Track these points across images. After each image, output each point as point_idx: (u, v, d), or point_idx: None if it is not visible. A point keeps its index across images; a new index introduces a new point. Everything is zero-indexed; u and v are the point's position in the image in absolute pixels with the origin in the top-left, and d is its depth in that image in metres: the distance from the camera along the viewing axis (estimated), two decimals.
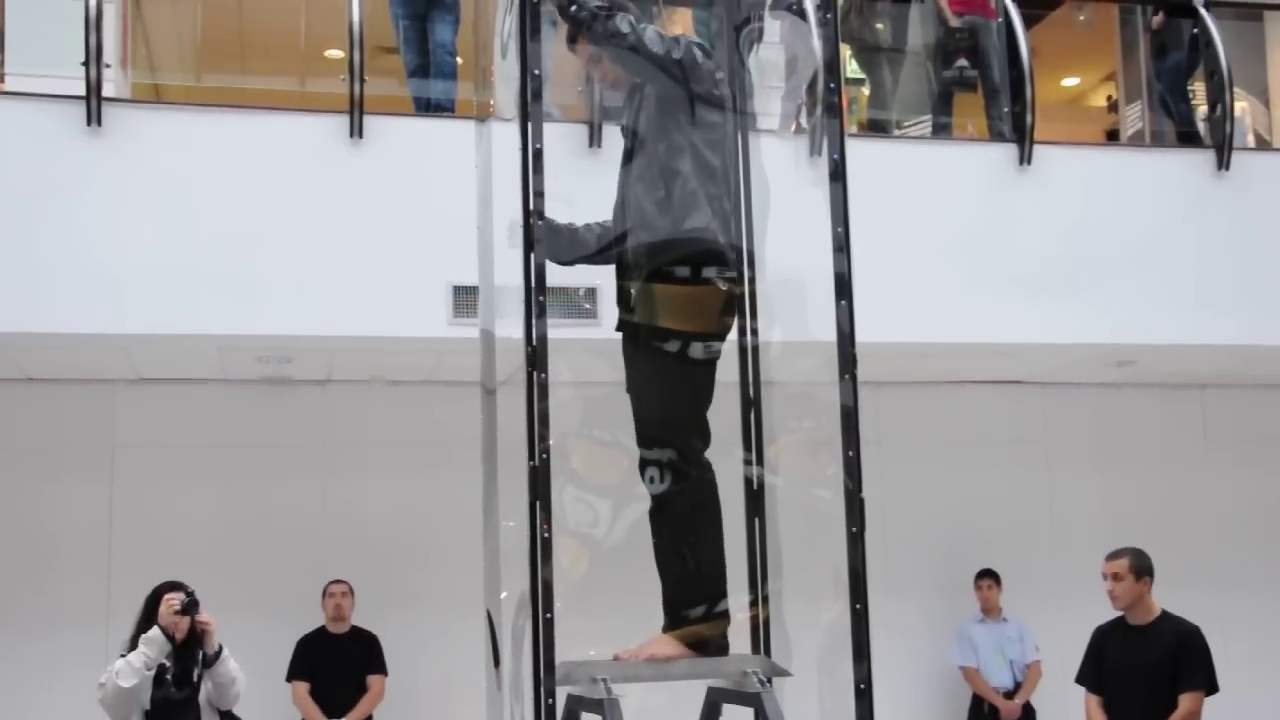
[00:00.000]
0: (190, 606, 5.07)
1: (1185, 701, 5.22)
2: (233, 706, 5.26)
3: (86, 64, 6.15)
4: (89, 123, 6.22)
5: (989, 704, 7.75)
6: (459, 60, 7.13)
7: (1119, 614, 5.48)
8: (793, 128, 4.49)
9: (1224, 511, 8.67)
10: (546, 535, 3.00)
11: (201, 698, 5.16)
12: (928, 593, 8.09)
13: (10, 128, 6.27)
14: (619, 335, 3.49)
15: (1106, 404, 8.66)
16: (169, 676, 5.07)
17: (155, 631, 5.03)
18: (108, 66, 6.34)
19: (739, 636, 3.37)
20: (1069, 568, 7.66)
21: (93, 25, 6.17)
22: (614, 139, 3.67)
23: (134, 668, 4.98)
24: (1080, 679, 5.62)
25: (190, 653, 5.11)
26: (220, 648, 5.16)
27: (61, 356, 6.99)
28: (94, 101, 6.20)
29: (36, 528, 7.36)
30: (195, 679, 5.13)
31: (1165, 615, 5.38)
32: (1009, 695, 7.72)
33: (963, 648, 7.90)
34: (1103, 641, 5.55)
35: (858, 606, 3.04)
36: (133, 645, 5.15)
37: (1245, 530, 8.67)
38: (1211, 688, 5.29)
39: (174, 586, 5.22)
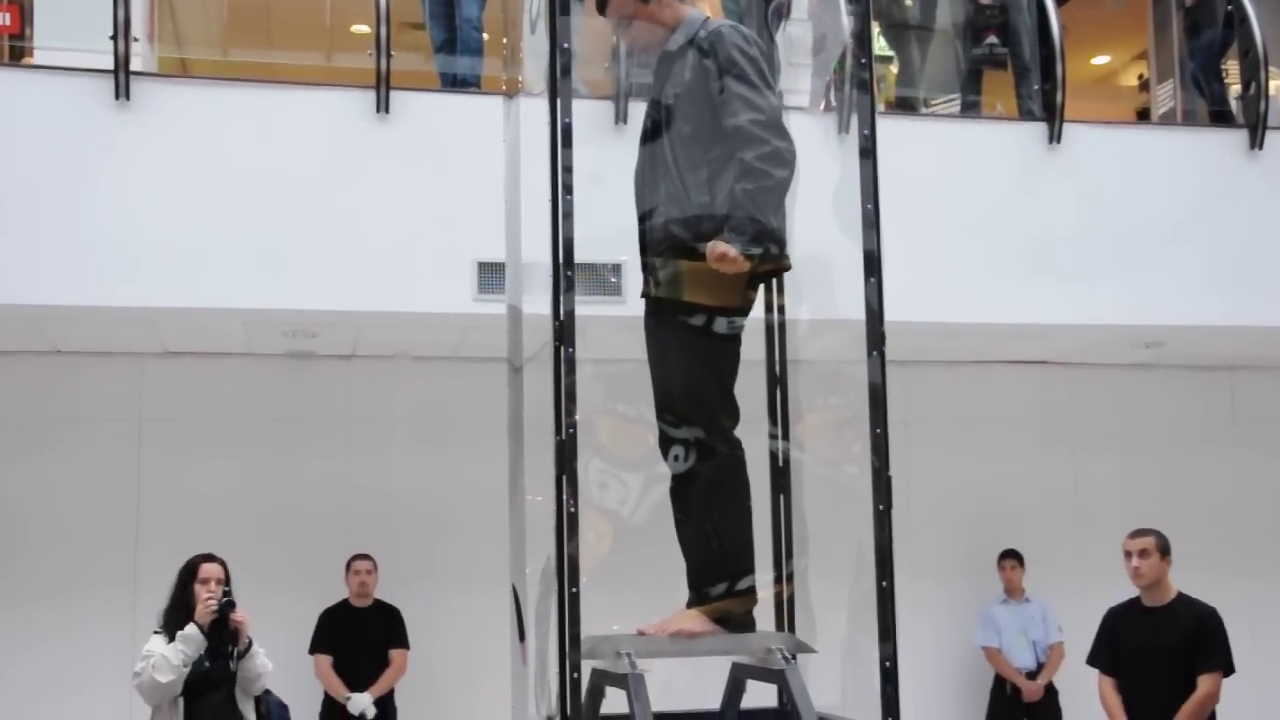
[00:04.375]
0: (226, 606, 5.13)
1: (1204, 683, 5.21)
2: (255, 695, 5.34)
3: (115, 38, 6.16)
4: (117, 96, 6.23)
5: (1011, 684, 7.74)
6: (485, 36, 7.11)
7: (1135, 595, 5.46)
8: (821, 105, 4.47)
9: (1252, 495, 8.61)
10: (572, 510, 3.01)
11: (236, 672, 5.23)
12: (951, 573, 8.08)
13: (39, 101, 6.28)
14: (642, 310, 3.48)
15: (1134, 386, 8.61)
16: (203, 652, 5.13)
17: (193, 629, 5.10)
18: (136, 40, 6.34)
19: (763, 613, 3.37)
20: (1093, 549, 7.63)
21: None
22: (640, 115, 3.65)
23: (172, 664, 5.04)
24: (1093, 660, 5.60)
25: (223, 627, 5.16)
26: (251, 642, 5.22)
27: (89, 329, 7.03)
28: (122, 75, 6.20)
29: (65, 499, 7.42)
30: (229, 651, 5.18)
31: (1182, 596, 5.37)
32: (1031, 676, 7.71)
33: (985, 628, 7.89)
34: (1116, 622, 5.53)
35: (884, 584, 3.03)
36: (167, 619, 5.21)
37: (1273, 515, 8.61)
38: (1229, 669, 5.28)
39: (208, 558, 5.29)
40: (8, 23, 6.99)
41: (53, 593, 7.26)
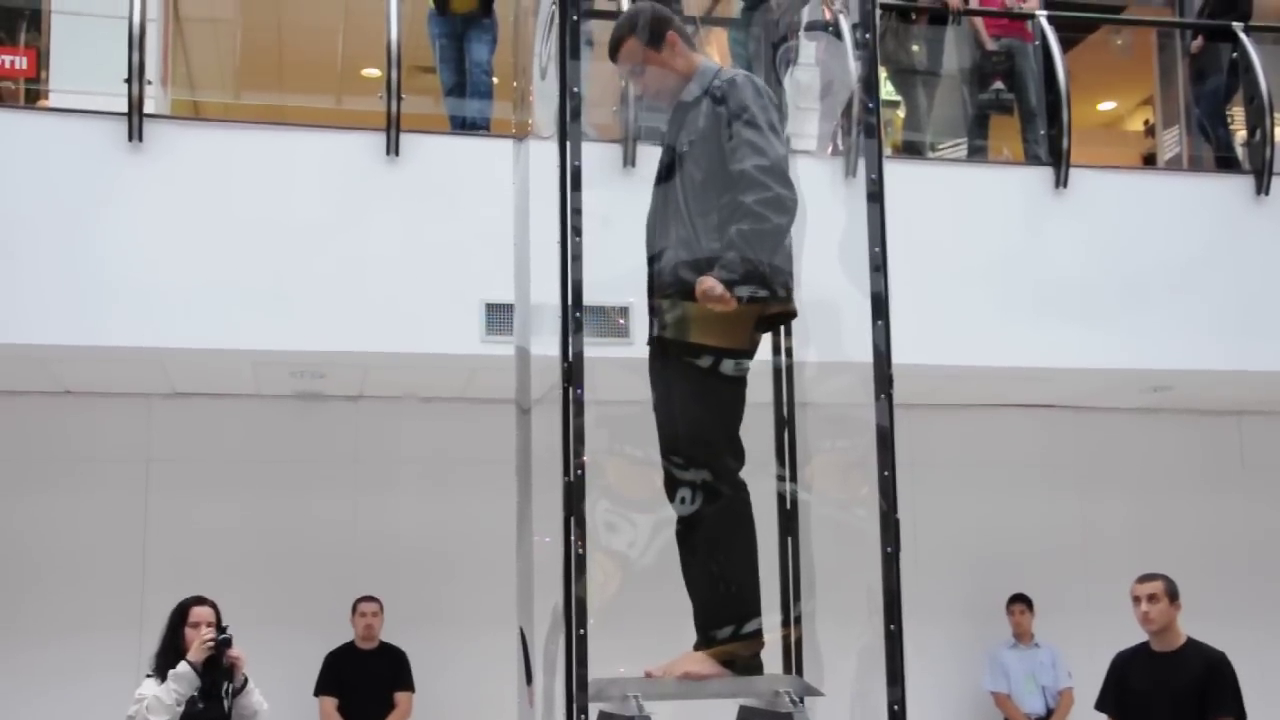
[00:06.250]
0: (223, 643, 5.10)
1: None
2: None
3: (129, 81, 6.23)
4: (130, 138, 6.28)
5: None
6: (495, 79, 7.18)
7: (1144, 640, 5.42)
8: (829, 149, 4.50)
9: (1261, 540, 8.57)
10: (580, 551, 3.00)
11: (230, 711, 5.20)
12: (958, 617, 8.03)
13: (53, 143, 6.34)
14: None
15: (1142, 430, 8.58)
16: (196, 692, 5.10)
17: (185, 668, 5.06)
18: (149, 83, 6.41)
19: (771, 656, 3.35)
20: (1102, 594, 7.57)
21: (136, 43, 6.24)
22: (648, 159, 3.68)
23: (164, 704, 5.01)
24: (1100, 705, 5.56)
25: (217, 666, 5.14)
26: (246, 680, 5.19)
27: (98, 370, 7.05)
28: (135, 118, 6.26)
29: (72, 538, 7.41)
30: (223, 691, 5.16)
31: (1191, 641, 5.33)
32: None
33: (994, 673, 7.83)
34: (1125, 668, 5.48)
35: (892, 628, 3.02)
36: (159, 662, 5.18)
37: None
38: (1240, 715, 5.22)
39: (199, 601, 5.27)
40: (24, 66, 7.07)
41: (58, 635, 7.23)
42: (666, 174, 3.48)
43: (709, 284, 3.21)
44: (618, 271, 3.58)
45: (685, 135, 3.43)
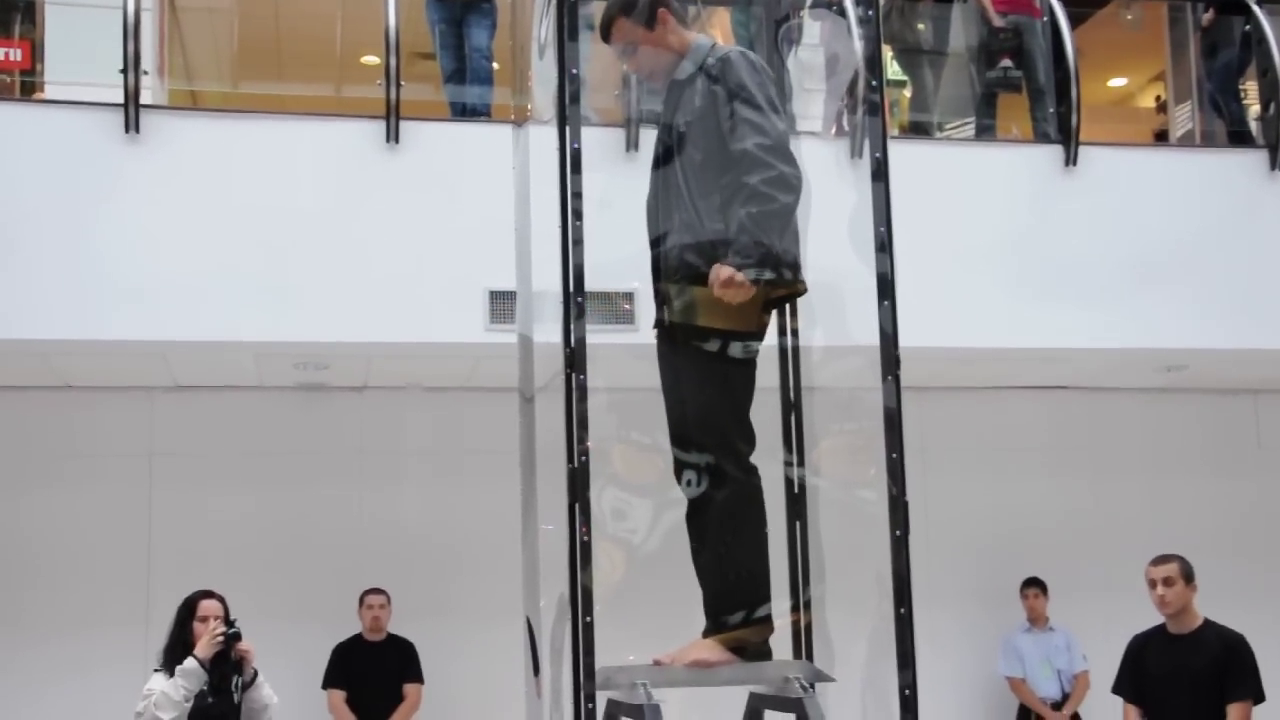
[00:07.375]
0: (232, 639, 5.08)
1: (1235, 711, 5.10)
2: None
3: (125, 72, 6.19)
4: (127, 130, 6.25)
5: (1036, 715, 7.63)
6: (495, 65, 7.13)
7: (1160, 622, 5.37)
8: (833, 130, 4.44)
9: (1277, 520, 8.50)
10: (585, 538, 2.96)
11: (240, 704, 5.18)
12: (971, 602, 7.99)
13: (50, 135, 6.31)
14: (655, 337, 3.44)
15: (1156, 410, 8.52)
16: (205, 687, 5.09)
17: (192, 664, 5.05)
18: (145, 74, 6.37)
19: (781, 641, 3.31)
20: (1117, 577, 7.51)
21: (131, 33, 6.20)
22: (652, 143, 3.61)
23: (173, 700, 5.01)
24: (1118, 689, 5.50)
25: (226, 660, 5.11)
26: (255, 673, 5.17)
27: (100, 363, 7.02)
28: (132, 109, 6.23)
29: (76, 533, 7.40)
30: (232, 685, 5.13)
31: (1208, 623, 5.28)
32: (1056, 706, 7.61)
33: (1009, 658, 7.78)
34: (1142, 650, 5.43)
35: (902, 611, 2.97)
36: (167, 656, 5.17)
37: None
38: (1259, 697, 5.18)
39: (207, 595, 5.26)
40: (19, 59, 7.04)
41: (64, 630, 7.22)
42: (665, 156, 3.42)
43: (727, 273, 3.13)
44: (623, 256, 3.54)
45: (681, 115, 3.37)
